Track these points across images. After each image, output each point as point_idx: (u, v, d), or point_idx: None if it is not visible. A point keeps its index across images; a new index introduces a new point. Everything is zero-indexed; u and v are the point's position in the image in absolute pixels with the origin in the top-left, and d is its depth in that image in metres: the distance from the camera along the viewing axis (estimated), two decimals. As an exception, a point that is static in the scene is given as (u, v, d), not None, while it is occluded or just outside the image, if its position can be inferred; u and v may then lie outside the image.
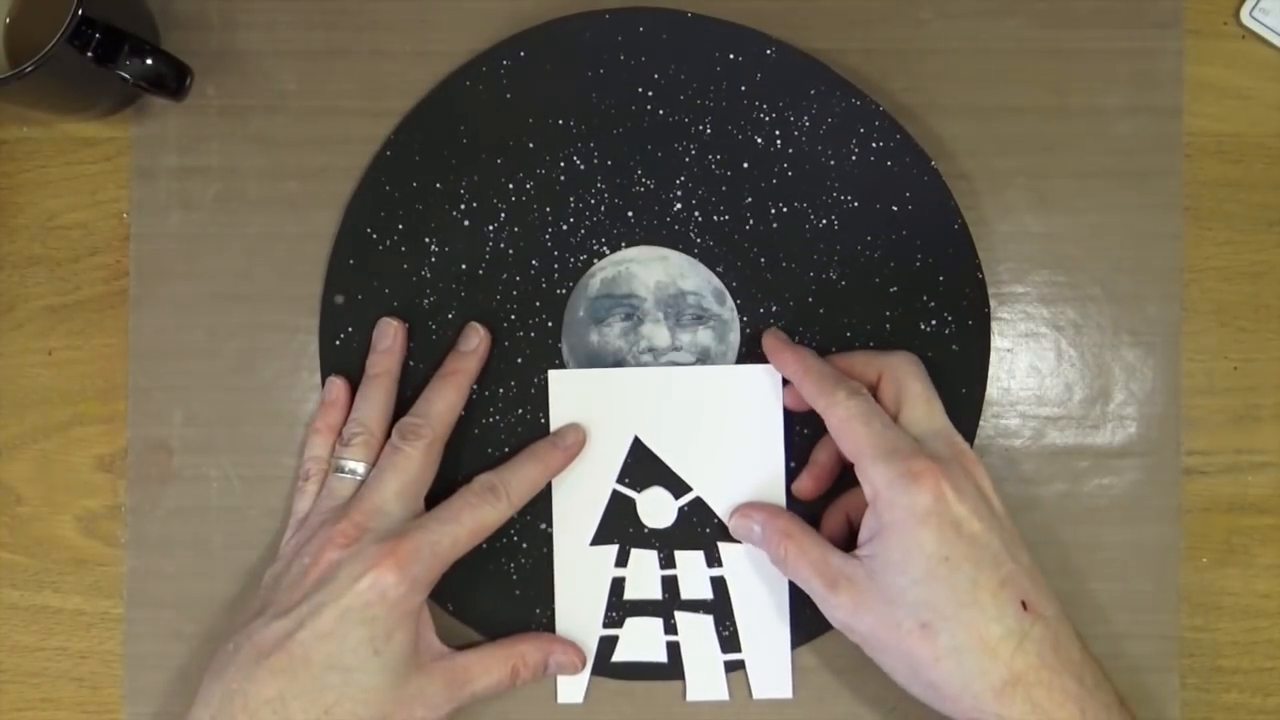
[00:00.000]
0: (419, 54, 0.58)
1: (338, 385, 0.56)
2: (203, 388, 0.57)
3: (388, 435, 0.54)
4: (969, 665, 0.48)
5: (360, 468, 0.54)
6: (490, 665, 0.53)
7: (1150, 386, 0.57)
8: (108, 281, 0.58)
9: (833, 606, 0.51)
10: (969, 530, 0.48)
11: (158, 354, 0.57)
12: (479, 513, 0.52)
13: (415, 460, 0.53)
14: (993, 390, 0.57)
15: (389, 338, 0.55)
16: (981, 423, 0.57)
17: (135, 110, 0.58)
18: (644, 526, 0.56)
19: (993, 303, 0.57)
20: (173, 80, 0.53)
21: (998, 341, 0.57)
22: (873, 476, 0.50)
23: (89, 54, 0.51)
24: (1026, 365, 0.58)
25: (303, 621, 0.50)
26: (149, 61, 0.52)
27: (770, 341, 0.55)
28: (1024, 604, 0.48)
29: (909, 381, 0.53)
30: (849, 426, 0.51)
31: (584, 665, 0.55)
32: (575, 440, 0.55)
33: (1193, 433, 0.57)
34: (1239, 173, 0.58)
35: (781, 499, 0.56)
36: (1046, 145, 0.57)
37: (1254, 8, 0.57)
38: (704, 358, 0.56)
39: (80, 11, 0.49)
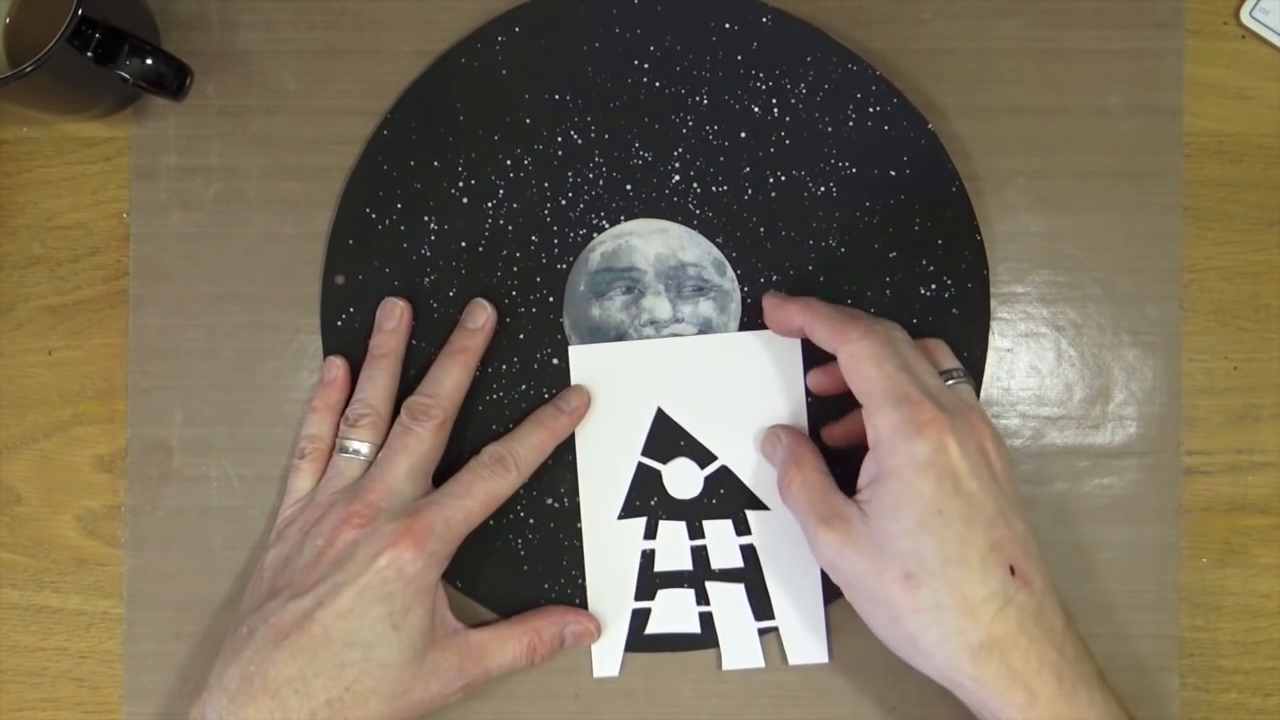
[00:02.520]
0: (419, 54, 0.58)
1: (337, 364, 0.56)
2: (203, 388, 0.57)
3: (393, 415, 0.54)
4: (948, 623, 0.48)
5: (367, 449, 0.54)
6: (506, 642, 0.54)
7: (1150, 386, 0.57)
8: (108, 281, 0.58)
9: (821, 544, 0.50)
10: (967, 488, 0.48)
11: (158, 354, 0.57)
12: (490, 485, 0.53)
13: (426, 440, 0.53)
14: (993, 390, 0.57)
15: (394, 318, 0.55)
16: (981, 423, 0.57)
17: (135, 110, 0.58)
18: (671, 498, 0.56)
19: (992, 303, 0.57)
20: (173, 80, 0.53)
21: (998, 341, 0.57)
22: (878, 421, 0.49)
23: (89, 54, 0.51)
24: (1026, 365, 0.58)
25: (321, 601, 0.50)
26: (149, 61, 0.52)
27: (770, 302, 0.54)
28: (1012, 569, 0.48)
29: (929, 337, 0.53)
30: (859, 366, 0.50)
31: (599, 633, 0.55)
32: (580, 403, 0.56)
33: (1193, 433, 0.57)
34: (1239, 173, 0.58)
35: None
36: (1046, 145, 0.57)
37: (1254, 8, 0.57)
38: (706, 328, 0.57)
39: (80, 11, 0.49)
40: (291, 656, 0.49)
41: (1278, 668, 0.57)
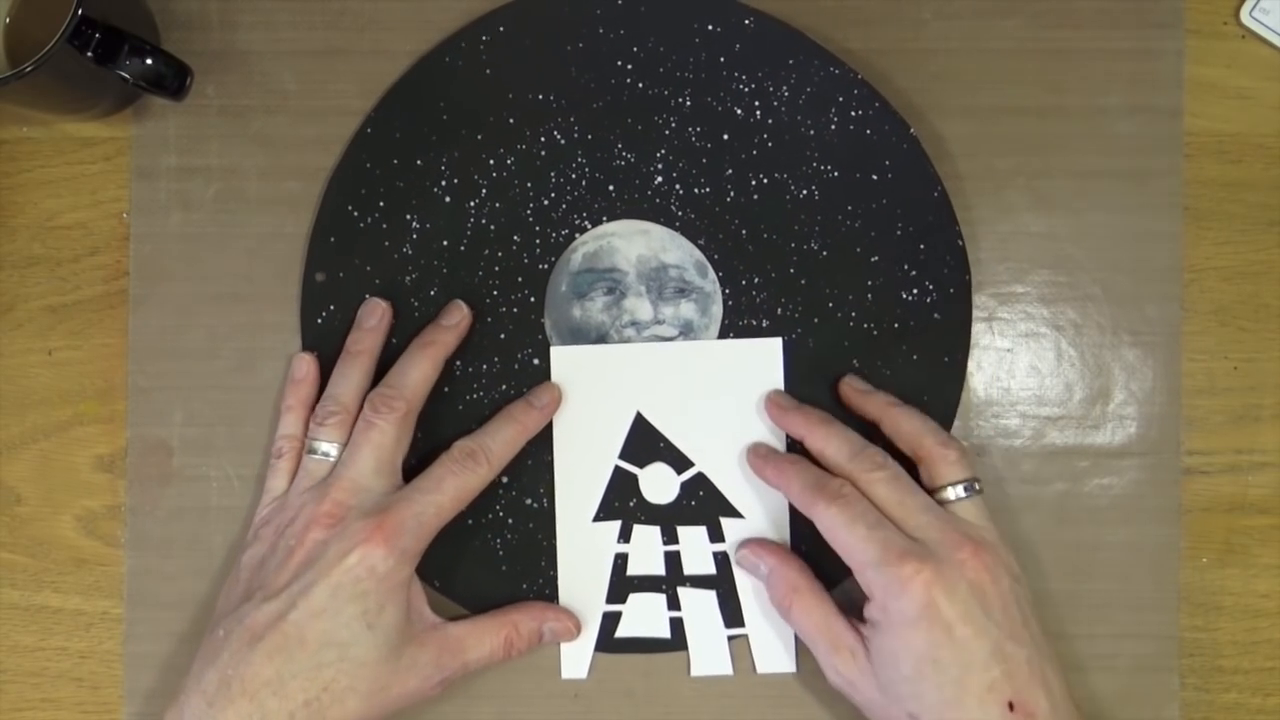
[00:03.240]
0: (418, 54, 0.57)
1: (306, 361, 0.56)
2: (203, 388, 0.57)
3: None
4: None
5: (334, 449, 0.53)
6: (483, 635, 0.54)
7: (1150, 386, 0.57)
8: (108, 281, 0.58)
9: (831, 669, 0.52)
10: (959, 634, 0.49)
11: (158, 354, 0.57)
12: (460, 479, 0.53)
13: (389, 434, 0.53)
14: (993, 390, 0.57)
15: (375, 317, 0.55)
16: (981, 422, 0.57)
17: (135, 110, 0.58)
18: (647, 502, 0.56)
19: (992, 303, 0.57)
20: (173, 80, 0.53)
21: (998, 341, 0.57)
22: (866, 580, 0.51)
23: (89, 54, 0.51)
24: (1026, 365, 0.58)
25: (294, 602, 0.50)
26: (149, 61, 0.52)
27: (753, 460, 0.55)
28: (1011, 705, 0.49)
29: (920, 442, 0.53)
30: (835, 535, 0.51)
31: (579, 632, 0.55)
32: (551, 399, 0.56)
33: (1193, 433, 0.57)
34: (1239, 173, 0.58)
35: None
36: (1046, 145, 0.57)
37: (1254, 8, 0.57)
38: (687, 330, 0.57)
39: (80, 11, 0.49)
40: (267, 658, 0.49)
41: (1278, 668, 0.57)
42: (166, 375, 0.57)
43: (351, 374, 0.55)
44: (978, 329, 0.57)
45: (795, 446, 0.56)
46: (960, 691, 0.49)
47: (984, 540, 0.51)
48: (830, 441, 0.53)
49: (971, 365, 0.57)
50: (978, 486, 0.52)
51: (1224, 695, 0.57)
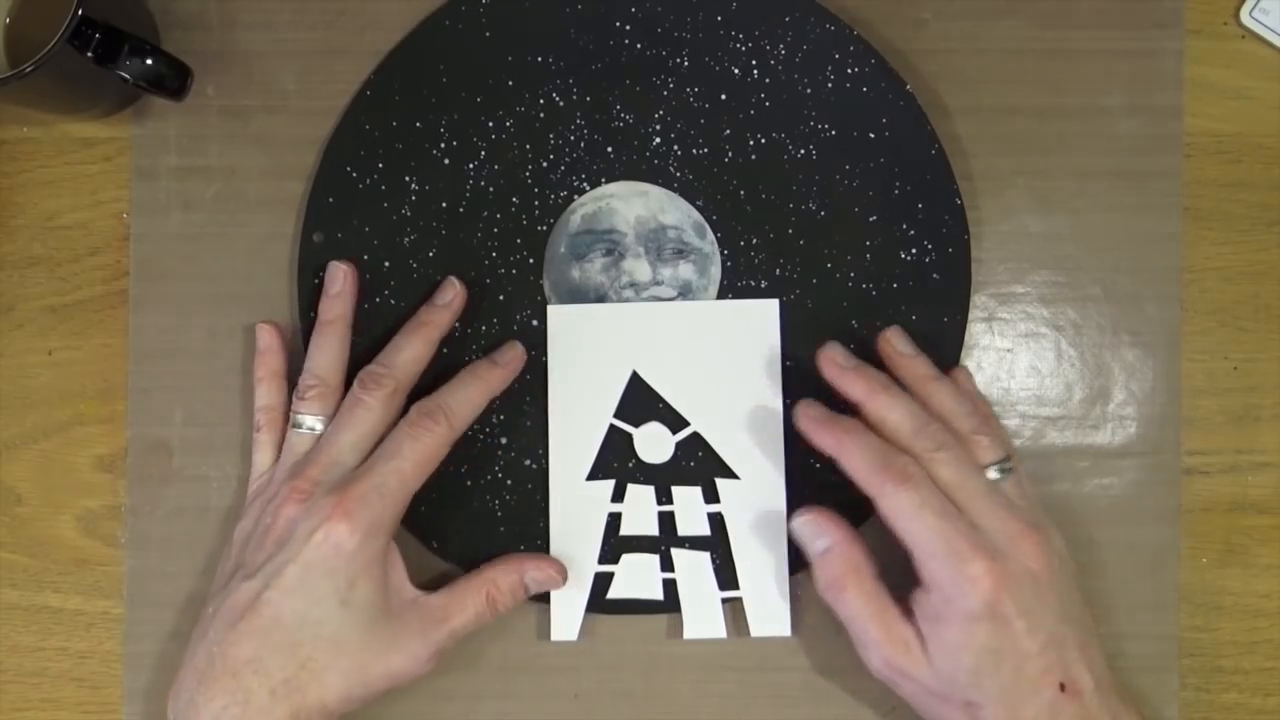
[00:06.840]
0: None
1: (266, 331, 0.56)
2: (203, 388, 0.57)
3: (346, 383, 0.54)
4: None
5: (317, 422, 0.53)
6: (464, 599, 0.53)
7: (1150, 386, 0.57)
8: (108, 281, 0.58)
9: (880, 660, 0.51)
10: (1017, 627, 0.49)
11: (158, 354, 0.57)
12: (420, 442, 0.52)
13: (375, 411, 0.52)
14: (993, 390, 0.57)
15: (339, 282, 0.55)
16: (981, 423, 0.57)
17: (135, 110, 0.58)
18: (641, 462, 0.56)
19: (992, 303, 0.57)
20: (173, 80, 0.53)
21: (998, 341, 0.57)
22: (929, 571, 0.50)
23: (89, 54, 0.51)
24: (1026, 365, 0.58)
25: (269, 581, 0.50)
26: (149, 61, 0.52)
27: (806, 423, 0.52)
28: (1062, 685, 0.49)
29: (958, 424, 0.52)
30: (899, 521, 0.50)
31: (564, 579, 0.55)
32: (514, 357, 0.55)
33: (1193, 433, 0.57)
34: (1239, 173, 0.58)
35: (779, 434, 0.55)
36: (1046, 145, 0.57)
37: (1254, 8, 0.57)
38: (685, 291, 0.57)
39: (80, 11, 0.49)
40: (247, 637, 0.50)
41: (1278, 668, 0.57)
42: (166, 375, 0.57)
43: (326, 345, 0.54)
44: (978, 329, 0.57)
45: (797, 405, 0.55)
46: (1018, 678, 0.49)
47: (1039, 525, 0.51)
48: (893, 411, 0.51)
49: (971, 365, 0.57)
50: (1007, 466, 0.52)
51: (1224, 695, 0.57)
